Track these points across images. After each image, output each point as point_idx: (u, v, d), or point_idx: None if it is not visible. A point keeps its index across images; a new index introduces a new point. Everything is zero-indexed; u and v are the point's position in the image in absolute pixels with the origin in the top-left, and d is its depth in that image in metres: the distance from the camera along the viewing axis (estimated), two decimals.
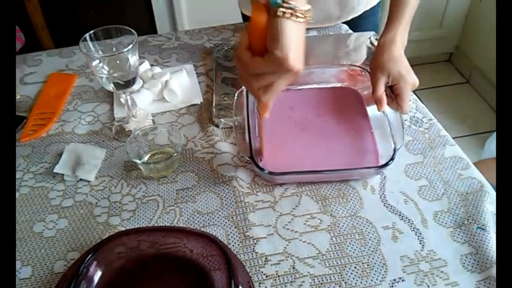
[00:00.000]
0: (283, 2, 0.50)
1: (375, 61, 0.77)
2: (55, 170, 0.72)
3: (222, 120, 0.80)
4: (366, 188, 0.70)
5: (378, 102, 0.74)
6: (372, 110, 0.79)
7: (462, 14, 2.20)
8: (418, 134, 0.78)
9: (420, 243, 0.63)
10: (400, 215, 0.66)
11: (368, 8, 1.04)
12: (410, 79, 0.74)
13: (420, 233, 0.64)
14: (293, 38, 0.51)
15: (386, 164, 0.68)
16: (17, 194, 0.71)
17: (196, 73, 0.92)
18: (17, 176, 0.74)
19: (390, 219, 0.66)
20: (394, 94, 0.75)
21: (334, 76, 0.85)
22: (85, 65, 0.96)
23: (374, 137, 0.76)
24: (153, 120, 0.81)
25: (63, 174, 0.72)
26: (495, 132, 1.67)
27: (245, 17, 1.15)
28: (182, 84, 0.86)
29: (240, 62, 0.56)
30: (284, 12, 0.51)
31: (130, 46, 0.67)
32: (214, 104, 0.83)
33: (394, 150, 0.69)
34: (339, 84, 0.85)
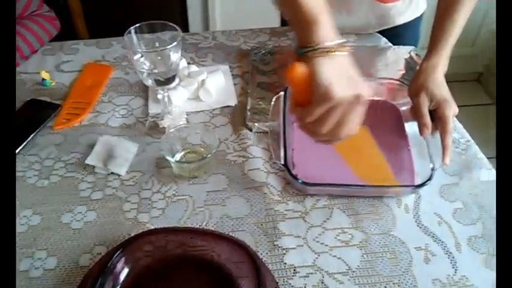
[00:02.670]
0: (307, 47, 0.53)
1: (417, 83, 0.75)
2: (87, 161, 0.72)
3: (255, 124, 0.79)
4: (399, 206, 0.68)
5: (424, 128, 0.71)
6: (409, 126, 0.77)
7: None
8: (454, 155, 0.76)
9: (453, 268, 0.61)
10: (433, 236, 0.65)
11: (409, 20, 1.02)
12: (454, 106, 0.72)
13: (453, 257, 0.62)
14: (329, 70, 0.53)
15: (423, 184, 0.66)
16: (47, 182, 0.71)
17: (232, 75, 0.91)
18: (47, 164, 0.74)
19: (423, 240, 0.64)
20: (435, 120, 0.73)
21: (372, 89, 0.84)
22: (121, 57, 0.96)
23: (411, 154, 0.74)
24: (187, 118, 0.81)
25: (94, 166, 0.72)
26: None
27: (284, 22, 1.14)
28: (218, 85, 0.86)
29: (300, 121, 0.57)
30: (311, 55, 0.53)
31: (175, 43, 0.66)
32: (248, 108, 0.82)
33: (432, 170, 0.68)
34: (377, 98, 0.84)
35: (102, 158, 0.72)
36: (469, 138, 0.80)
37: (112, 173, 0.72)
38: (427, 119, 0.72)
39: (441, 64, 0.76)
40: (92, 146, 0.75)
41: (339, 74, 0.53)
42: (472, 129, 0.82)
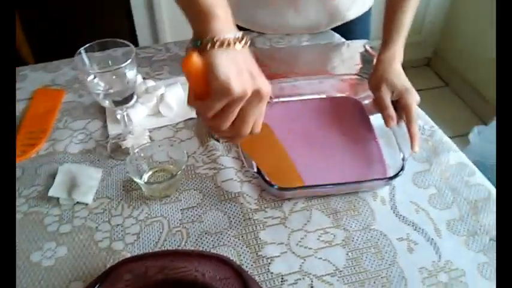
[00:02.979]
0: (204, 38, 0.50)
1: (376, 76, 0.76)
2: (50, 194, 0.67)
3: None
4: (376, 199, 0.68)
5: (389, 119, 0.72)
6: (374, 119, 0.78)
7: (440, 20, 2.25)
8: (421, 142, 0.77)
9: (436, 254, 0.62)
10: (413, 225, 0.65)
11: (359, 14, 1.03)
12: (415, 94, 0.73)
13: (435, 243, 0.63)
14: (227, 63, 0.50)
15: (396, 175, 0.67)
16: None
17: None
18: None
19: (404, 230, 0.64)
20: (398, 110, 0.73)
21: (333, 86, 0.84)
22: (72, 80, 0.91)
23: (379, 146, 0.75)
24: (150, 136, 0.78)
25: (58, 198, 0.68)
26: (475, 127, 1.70)
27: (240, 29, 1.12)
28: (178, 98, 0.83)
29: (200, 116, 0.54)
30: (208, 47, 0.50)
31: (130, 60, 0.63)
32: None
33: (403, 160, 0.68)
34: (339, 94, 0.84)
35: (66, 188, 0.68)
36: (433, 124, 0.82)
37: (78, 202, 0.68)
38: (391, 110, 0.72)
39: (397, 54, 0.77)
40: (53, 177, 0.70)
41: (237, 68, 0.50)
42: (431, 112, 0.84)
